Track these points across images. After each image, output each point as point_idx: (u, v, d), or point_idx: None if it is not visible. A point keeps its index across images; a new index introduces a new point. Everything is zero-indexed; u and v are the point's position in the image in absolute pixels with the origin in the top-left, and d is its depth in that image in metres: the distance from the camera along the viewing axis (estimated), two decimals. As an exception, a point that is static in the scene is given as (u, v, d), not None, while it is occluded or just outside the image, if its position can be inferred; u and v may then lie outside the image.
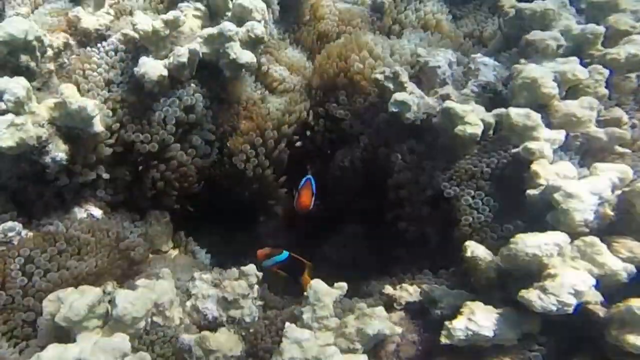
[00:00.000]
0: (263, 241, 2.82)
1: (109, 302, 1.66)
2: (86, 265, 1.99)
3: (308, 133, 2.68)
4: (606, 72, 2.18)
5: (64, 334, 1.60)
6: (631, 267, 1.53)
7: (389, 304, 2.00)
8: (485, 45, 2.97)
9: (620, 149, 2.00)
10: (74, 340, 1.55)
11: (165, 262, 2.41)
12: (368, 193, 2.60)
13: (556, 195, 1.63)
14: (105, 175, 2.21)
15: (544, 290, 1.47)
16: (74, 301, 1.54)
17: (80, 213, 2.14)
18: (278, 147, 2.57)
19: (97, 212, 2.20)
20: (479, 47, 2.95)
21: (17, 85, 1.78)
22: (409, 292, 2.01)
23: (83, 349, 1.48)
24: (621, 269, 1.52)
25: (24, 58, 1.88)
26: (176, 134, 2.32)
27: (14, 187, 2.05)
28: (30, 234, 1.96)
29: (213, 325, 1.89)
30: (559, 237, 1.56)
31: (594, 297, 1.49)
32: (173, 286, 1.84)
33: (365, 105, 2.49)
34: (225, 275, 1.99)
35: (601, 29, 2.34)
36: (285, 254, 2.34)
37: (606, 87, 2.21)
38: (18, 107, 1.79)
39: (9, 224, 1.87)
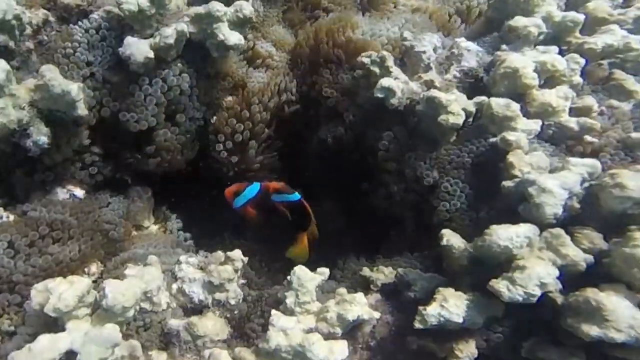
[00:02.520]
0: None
1: (97, 289, 1.69)
2: (70, 250, 2.01)
3: (289, 108, 2.68)
4: (582, 61, 2.25)
5: (53, 321, 1.62)
6: (590, 258, 1.63)
7: (366, 285, 2.10)
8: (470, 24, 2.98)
9: (589, 139, 2.07)
10: (63, 329, 1.58)
11: (147, 239, 2.45)
12: (349, 170, 2.64)
13: (530, 189, 1.71)
14: (88, 156, 2.20)
15: (512, 281, 1.57)
16: (63, 292, 1.56)
17: (62, 194, 2.15)
18: (263, 120, 2.57)
19: (79, 192, 2.21)
20: (463, 27, 2.97)
21: (-3, 68, 1.74)
22: (384, 274, 2.10)
23: (74, 340, 1.52)
24: (582, 259, 1.63)
25: (1, 38, 1.84)
26: (160, 113, 2.31)
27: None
28: (12, 217, 1.96)
29: (199, 308, 1.96)
30: (529, 230, 1.66)
31: (554, 286, 1.59)
32: (160, 272, 1.88)
33: (351, 83, 2.49)
34: (210, 259, 2.03)
35: (581, 17, 2.38)
36: (297, 195, 2.17)
37: (581, 76, 2.27)
38: (-1, 91, 1.75)
39: (-9, 207, 1.86)
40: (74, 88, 1.87)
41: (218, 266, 1.97)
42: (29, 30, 1.97)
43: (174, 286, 1.97)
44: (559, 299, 1.62)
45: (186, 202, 2.75)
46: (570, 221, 1.73)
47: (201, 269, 2.02)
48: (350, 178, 2.64)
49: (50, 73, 1.85)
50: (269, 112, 2.60)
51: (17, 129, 1.83)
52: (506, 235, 1.64)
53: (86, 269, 2.00)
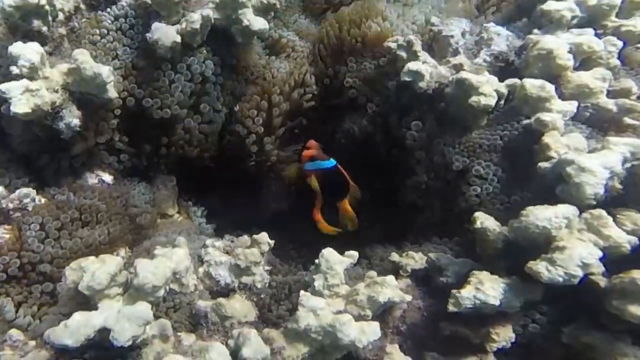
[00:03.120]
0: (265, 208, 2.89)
1: (128, 269, 1.72)
2: (99, 234, 2.05)
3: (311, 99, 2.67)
4: (620, 43, 2.20)
5: (85, 301, 1.65)
6: (634, 240, 1.59)
7: (395, 271, 2.08)
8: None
9: (629, 120, 2.03)
10: (96, 308, 1.61)
11: (172, 227, 2.48)
12: (374, 160, 2.63)
13: (569, 169, 1.67)
14: (115, 142, 2.24)
15: (552, 262, 1.54)
16: (96, 270, 1.59)
17: (91, 178, 2.20)
18: (282, 111, 2.57)
19: (108, 178, 2.25)
20: (490, 15, 2.94)
21: (32, 51, 1.79)
22: (414, 260, 2.08)
23: (107, 317, 1.54)
24: (625, 241, 1.58)
25: (36, 23, 1.88)
26: (185, 101, 2.34)
27: (25, 151, 2.09)
28: (43, 200, 2.01)
29: (225, 291, 1.97)
30: (568, 210, 1.62)
31: (597, 268, 1.55)
32: (188, 254, 1.90)
33: (375, 72, 2.48)
34: (237, 243, 2.05)
35: (617, 0, 2.33)
36: (332, 162, 2.17)
37: (618, 59, 2.23)
38: (32, 73, 1.80)
39: (24, 190, 1.91)
40: (105, 70, 1.91)
41: (245, 249, 1.98)
42: (61, 17, 2.01)
43: (201, 270, 1.98)
44: (602, 282, 1.58)
45: (207, 192, 2.78)
46: (611, 202, 1.69)
47: (227, 253, 2.03)
48: (375, 169, 2.64)
49: (83, 56, 1.89)
50: (290, 102, 2.60)
51: (50, 111, 1.87)
52: (544, 215, 1.61)
53: (115, 254, 2.03)
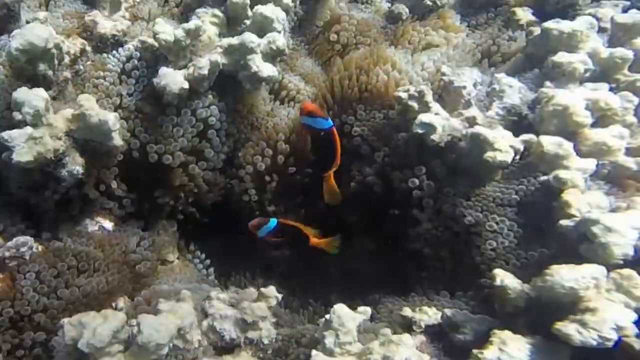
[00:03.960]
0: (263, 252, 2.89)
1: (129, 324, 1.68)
2: (97, 283, 2.02)
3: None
4: (636, 99, 2.25)
5: (83, 358, 1.61)
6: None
7: (406, 325, 2.07)
8: (502, 62, 3.03)
9: (649, 179, 2.07)
10: (95, 366, 1.56)
11: (172, 274, 2.46)
12: (381, 210, 2.63)
13: (594, 229, 1.69)
14: (117, 188, 2.22)
15: (583, 324, 1.53)
16: (97, 327, 1.56)
17: (91, 225, 2.18)
18: (287, 158, 2.59)
19: (108, 225, 2.23)
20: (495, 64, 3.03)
21: (37, 97, 1.79)
22: (428, 315, 2.07)
23: (108, 378, 1.49)
24: (658, 302, 1.58)
25: (42, 67, 1.89)
26: (189, 147, 2.35)
27: (23, 196, 2.07)
28: (41, 247, 1.98)
29: (230, 346, 1.93)
30: (596, 270, 1.62)
31: (630, 331, 1.55)
32: (193, 309, 1.86)
33: (385, 122, 2.52)
34: (242, 296, 2.02)
35: (630, 53, 2.40)
36: (273, 221, 2.33)
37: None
38: (36, 120, 1.80)
39: (22, 238, 1.88)
40: (111, 118, 1.91)
41: (251, 303, 1.95)
42: (66, 60, 2.03)
43: (204, 323, 1.94)
44: (636, 344, 1.57)
45: (207, 237, 2.77)
46: (637, 262, 1.71)
47: (232, 305, 2.00)
48: (379, 218, 2.64)
49: (88, 102, 1.90)
50: (293, 150, 2.60)
51: (52, 159, 1.86)
52: (571, 275, 1.61)
53: (114, 304, 1.99)
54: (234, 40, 2.29)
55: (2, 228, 1.99)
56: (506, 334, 1.70)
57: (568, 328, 1.56)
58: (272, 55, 2.36)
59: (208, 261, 2.69)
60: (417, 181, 2.34)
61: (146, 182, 2.37)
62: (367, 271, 2.79)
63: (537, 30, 2.64)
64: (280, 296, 1.99)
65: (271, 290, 1.98)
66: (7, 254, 1.85)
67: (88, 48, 2.17)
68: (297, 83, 2.86)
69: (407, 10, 3.03)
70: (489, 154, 2.05)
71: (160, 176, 2.37)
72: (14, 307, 1.86)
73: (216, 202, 2.64)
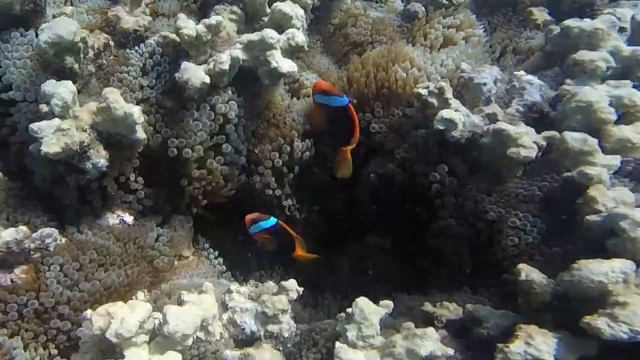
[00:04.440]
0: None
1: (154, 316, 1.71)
2: (117, 276, 2.06)
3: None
4: (659, 97, 2.28)
5: (110, 349, 1.64)
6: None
7: (427, 320, 2.09)
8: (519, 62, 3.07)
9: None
10: (122, 356, 1.60)
11: (189, 269, 2.49)
12: (398, 207, 2.66)
13: (622, 224, 1.72)
14: (139, 181, 2.26)
15: (613, 318, 1.56)
16: (125, 317, 1.59)
17: (112, 219, 2.21)
18: (303, 155, 2.62)
19: (129, 218, 2.27)
20: (512, 63, 3.07)
21: (65, 90, 1.83)
22: (449, 310, 2.10)
23: (138, 368, 1.52)
24: (687, 297, 1.60)
25: (68, 60, 1.93)
26: (208, 141, 2.38)
27: (47, 189, 2.10)
28: (64, 240, 2.01)
29: (250, 340, 1.97)
30: (625, 265, 1.65)
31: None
32: (215, 301, 1.89)
33: (403, 118, 2.55)
34: (263, 289, 2.05)
35: (652, 52, 2.44)
36: (273, 220, 2.32)
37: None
38: (64, 112, 1.84)
39: (47, 230, 1.92)
40: (136, 111, 1.95)
41: (272, 296, 1.98)
42: (90, 54, 2.07)
43: (225, 316, 1.98)
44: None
45: (222, 232, 2.80)
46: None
47: (252, 299, 2.04)
48: (399, 214, 2.67)
49: (113, 95, 1.93)
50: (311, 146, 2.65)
51: (78, 151, 1.89)
52: (600, 270, 1.64)
53: (133, 297, 2.02)
54: (254, 36, 2.33)
55: (27, 220, 2.02)
56: (532, 328, 1.72)
57: (597, 322, 1.58)
58: (291, 51, 2.40)
59: (221, 255, 2.70)
60: (437, 176, 2.36)
61: (164, 177, 2.39)
62: (383, 268, 2.83)
63: (556, 29, 2.68)
64: (301, 290, 2.01)
65: (292, 284, 2.00)
66: (32, 245, 1.88)
67: (111, 43, 2.21)
68: (313, 81, 2.89)
69: (423, 9, 3.06)
70: (512, 150, 2.08)
71: (179, 170, 2.39)
72: (39, 299, 1.90)
73: (232, 197, 2.68)
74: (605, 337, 1.55)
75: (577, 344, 1.66)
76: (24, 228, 1.85)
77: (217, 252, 2.71)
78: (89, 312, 1.91)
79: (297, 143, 2.58)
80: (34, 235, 1.87)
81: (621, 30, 2.79)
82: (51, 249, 1.92)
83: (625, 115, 2.20)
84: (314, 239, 2.89)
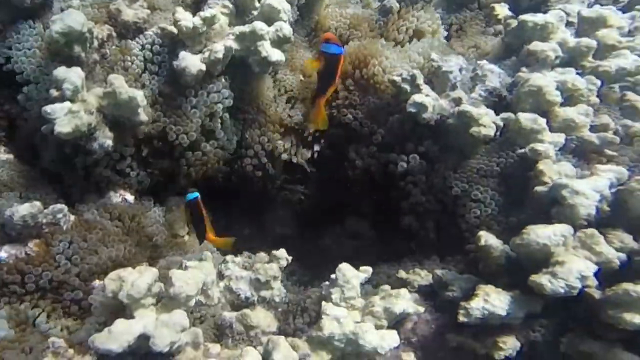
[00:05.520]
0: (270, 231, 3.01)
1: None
2: (120, 248, 2.12)
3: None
4: (598, 82, 2.43)
5: (121, 310, 1.72)
6: (623, 256, 1.77)
7: (402, 287, 2.20)
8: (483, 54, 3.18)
9: (609, 152, 2.24)
10: (132, 317, 1.67)
11: (184, 247, 2.56)
12: (376, 188, 2.77)
13: (563, 192, 1.85)
14: (137, 163, 2.32)
15: (554, 275, 1.69)
16: (135, 280, 1.66)
17: (115, 197, 2.27)
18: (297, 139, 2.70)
19: (130, 197, 2.32)
20: (477, 54, 3.17)
21: (75, 75, 1.88)
22: (420, 276, 2.23)
23: (146, 324, 1.61)
24: (615, 257, 1.76)
25: (77, 49, 1.98)
26: (204, 126, 2.44)
27: (54, 170, 2.16)
28: (72, 217, 2.07)
29: (245, 305, 2.06)
30: (565, 229, 1.79)
31: (592, 282, 1.71)
32: (214, 268, 1.98)
33: (379, 105, 2.65)
34: (255, 259, 2.15)
35: (594, 42, 2.58)
36: (193, 194, 2.26)
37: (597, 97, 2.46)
38: (74, 95, 1.89)
39: (58, 206, 1.97)
40: (140, 94, 2.01)
41: (264, 264, 2.08)
42: (95, 44, 2.12)
43: (221, 284, 2.06)
44: (597, 294, 1.73)
45: (215, 214, 2.87)
46: (600, 223, 1.87)
47: (245, 268, 2.13)
48: (375, 194, 2.78)
49: (118, 81, 1.99)
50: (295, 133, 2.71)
51: (86, 132, 1.95)
52: (544, 233, 1.77)
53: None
54: (245, 28, 2.39)
55: (39, 197, 2.07)
56: (489, 288, 1.86)
57: (541, 279, 1.72)
58: (279, 42, 2.46)
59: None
60: (409, 158, 2.47)
61: (162, 159, 2.45)
62: (361, 245, 2.94)
63: (514, 23, 2.80)
64: (290, 258, 2.11)
65: (282, 252, 2.10)
66: (44, 220, 1.94)
67: (114, 34, 2.25)
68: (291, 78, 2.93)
69: (397, 4, 3.14)
70: (474, 129, 2.20)
71: (177, 153, 2.46)
72: (50, 271, 1.95)
73: (222, 180, 2.74)
74: (547, 292, 1.69)
75: (525, 301, 1.80)
76: (37, 203, 1.91)
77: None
78: (97, 282, 1.99)
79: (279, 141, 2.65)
80: (45, 210, 1.93)
81: (570, 24, 2.93)
82: (61, 223, 1.97)
83: (569, 99, 2.33)
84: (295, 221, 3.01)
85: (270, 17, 2.49)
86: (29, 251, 1.95)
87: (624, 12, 3.11)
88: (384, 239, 2.87)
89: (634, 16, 3.07)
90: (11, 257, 1.89)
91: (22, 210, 1.86)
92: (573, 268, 1.68)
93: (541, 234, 1.79)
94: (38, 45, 2.05)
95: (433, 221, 2.52)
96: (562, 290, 1.68)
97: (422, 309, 1.93)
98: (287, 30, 2.45)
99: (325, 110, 2.55)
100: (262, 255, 2.16)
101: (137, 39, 2.31)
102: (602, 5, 3.22)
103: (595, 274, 1.72)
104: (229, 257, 2.17)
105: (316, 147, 2.78)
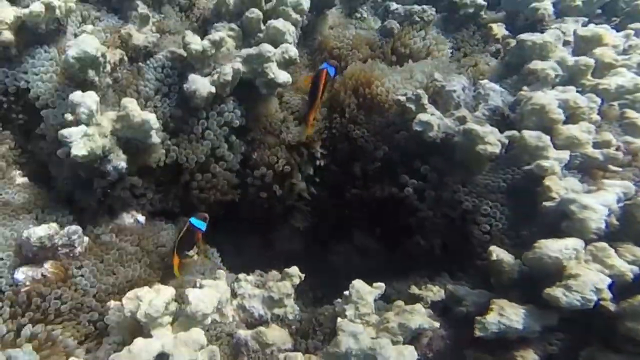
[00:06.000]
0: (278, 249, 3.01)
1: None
2: (135, 269, 2.12)
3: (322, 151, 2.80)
4: (599, 100, 2.47)
5: (138, 329, 1.71)
6: (636, 269, 1.78)
7: (414, 303, 2.20)
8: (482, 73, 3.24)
9: (613, 167, 2.27)
10: (149, 335, 1.66)
11: (195, 266, 2.54)
12: (383, 204, 2.78)
13: (572, 207, 1.87)
14: (148, 185, 2.33)
15: (568, 288, 1.70)
16: (152, 299, 1.66)
17: (128, 218, 2.27)
18: (302, 159, 2.72)
19: (142, 218, 2.32)
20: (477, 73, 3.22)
21: (90, 99, 1.90)
22: (433, 292, 2.23)
23: (165, 343, 1.60)
24: (628, 270, 1.77)
25: (91, 73, 2.00)
26: (214, 147, 2.46)
27: (68, 192, 2.16)
28: (86, 238, 2.07)
29: (258, 323, 2.05)
30: (576, 243, 1.80)
31: (606, 294, 1.72)
32: (227, 286, 1.98)
33: (384, 123, 2.67)
34: (268, 277, 2.15)
35: (592, 61, 2.63)
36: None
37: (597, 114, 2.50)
38: (89, 119, 1.90)
39: (73, 227, 1.97)
40: (152, 117, 2.03)
41: (277, 282, 2.08)
42: (108, 68, 2.14)
43: (234, 302, 2.06)
44: (612, 307, 1.74)
45: (222, 233, 2.86)
46: (609, 236, 1.89)
47: (257, 286, 2.12)
48: (382, 210, 2.79)
49: (131, 105, 2.01)
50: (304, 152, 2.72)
51: (101, 155, 1.96)
52: (556, 247, 1.79)
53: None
54: (252, 50, 2.42)
55: (55, 219, 2.08)
56: (504, 302, 1.86)
57: (556, 292, 1.73)
58: (286, 64, 2.50)
59: (221, 255, 2.74)
60: (415, 174, 2.49)
61: (173, 180, 2.46)
62: (370, 260, 2.93)
63: (512, 42, 2.85)
64: (303, 275, 2.11)
65: (294, 270, 2.10)
66: (60, 241, 1.93)
67: (125, 58, 2.27)
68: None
69: (398, 25, 3.20)
70: (480, 147, 2.23)
71: (187, 175, 2.46)
72: (67, 292, 1.94)
73: (229, 200, 2.74)
74: (562, 305, 1.69)
75: (541, 314, 1.80)
76: (54, 225, 1.91)
77: (217, 251, 2.75)
78: (112, 302, 1.98)
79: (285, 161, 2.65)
80: (61, 232, 1.92)
81: (566, 42, 2.99)
82: (76, 244, 1.97)
83: (571, 116, 2.37)
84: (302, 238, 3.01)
85: (275, 39, 2.53)
86: (45, 272, 1.94)
87: (617, 31, 3.18)
88: (392, 254, 2.87)
89: (628, 34, 3.14)
90: (28, 278, 1.87)
91: (39, 231, 1.86)
92: (587, 281, 1.69)
93: (553, 247, 1.80)
94: (54, 70, 2.07)
95: (442, 236, 2.53)
96: (578, 303, 1.68)
97: (437, 324, 1.93)
98: (293, 52, 2.49)
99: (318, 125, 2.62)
100: (275, 273, 2.16)
101: (147, 62, 2.33)
102: (595, 24, 3.29)
103: (609, 287, 1.73)
104: (241, 276, 2.16)
105: (321, 162, 2.80)
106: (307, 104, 2.56)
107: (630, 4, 3.66)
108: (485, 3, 3.43)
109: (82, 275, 1.96)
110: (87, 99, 1.89)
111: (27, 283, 1.88)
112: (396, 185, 2.63)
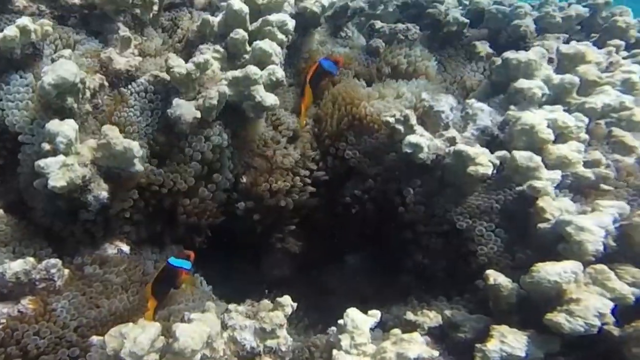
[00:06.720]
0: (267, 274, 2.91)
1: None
2: (119, 301, 2.01)
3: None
4: (586, 119, 2.45)
5: (122, 370, 1.60)
6: (637, 291, 1.73)
7: (410, 329, 2.12)
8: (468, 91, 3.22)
9: (605, 187, 2.24)
10: (135, 376, 1.56)
11: (184, 295, 2.43)
12: (375, 224, 2.71)
13: (568, 229, 1.82)
14: (133, 213, 2.22)
15: (570, 313, 1.64)
16: (137, 336, 1.56)
17: (110, 249, 2.15)
18: (294, 181, 2.64)
19: (125, 248, 2.21)
20: (462, 92, 3.20)
21: (69, 128, 1.80)
22: (429, 318, 2.15)
23: (151, 385, 1.49)
24: (629, 292, 1.72)
25: (69, 100, 1.90)
26: (201, 172, 2.36)
27: (47, 224, 2.04)
28: (67, 271, 1.95)
29: (250, 356, 1.94)
30: (574, 266, 1.75)
31: (609, 319, 1.67)
32: (217, 319, 1.88)
33: (374, 144, 2.62)
34: (259, 307, 2.05)
35: (576, 79, 2.62)
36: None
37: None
38: (68, 149, 1.80)
39: (52, 261, 1.86)
40: (135, 145, 1.93)
41: (269, 313, 1.98)
42: (87, 94, 2.04)
43: (225, 334, 1.95)
44: (616, 331, 1.69)
45: (210, 259, 2.76)
46: (607, 258, 1.84)
47: (248, 317, 2.03)
48: (373, 233, 2.72)
49: (112, 132, 1.91)
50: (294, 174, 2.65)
51: (81, 185, 1.86)
52: (554, 271, 1.73)
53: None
54: (238, 73, 2.34)
55: (33, 252, 1.96)
56: (504, 328, 1.79)
57: (558, 318, 1.67)
58: (273, 86, 2.43)
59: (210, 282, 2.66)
60: (411, 191, 2.43)
61: (160, 207, 2.35)
62: (362, 283, 2.85)
63: (498, 61, 2.83)
64: (295, 305, 2.02)
65: (286, 299, 2.01)
66: (37, 276, 1.82)
67: (105, 83, 2.18)
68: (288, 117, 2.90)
69: (383, 44, 3.17)
70: (471, 168, 2.18)
71: (173, 200, 2.36)
72: (49, 328, 1.82)
73: (218, 225, 2.65)
74: (565, 331, 1.63)
75: (543, 340, 1.73)
76: (31, 259, 1.79)
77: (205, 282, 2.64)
78: (94, 338, 1.86)
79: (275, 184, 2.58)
80: (39, 266, 1.81)
81: (549, 60, 2.99)
82: (55, 278, 1.85)
83: (560, 136, 2.34)
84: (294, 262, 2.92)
85: (261, 60, 2.46)
86: (22, 309, 1.82)
87: (598, 48, 3.20)
88: (385, 276, 2.79)
89: (610, 51, 3.15)
90: (2, 315, 1.75)
91: (15, 267, 1.75)
92: (590, 305, 1.63)
93: (551, 271, 1.75)
94: (30, 97, 1.96)
95: (436, 258, 2.46)
96: (581, 329, 1.62)
97: (436, 353, 1.85)
98: (279, 73, 2.42)
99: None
100: (266, 302, 2.06)
101: (129, 86, 2.24)
102: (577, 41, 3.30)
103: (612, 311, 1.67)
104: (232, 306, 2.06)
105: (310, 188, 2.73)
106: (298, 94, 2.69)
107: (607, 20, 3.71)
108: (467, 21, 3.44)
109: (62, 308, 1.84)
110: (64, 128, 1.79)
111: (2, 320, 1.76)
112: (389, 205, 2.57)
